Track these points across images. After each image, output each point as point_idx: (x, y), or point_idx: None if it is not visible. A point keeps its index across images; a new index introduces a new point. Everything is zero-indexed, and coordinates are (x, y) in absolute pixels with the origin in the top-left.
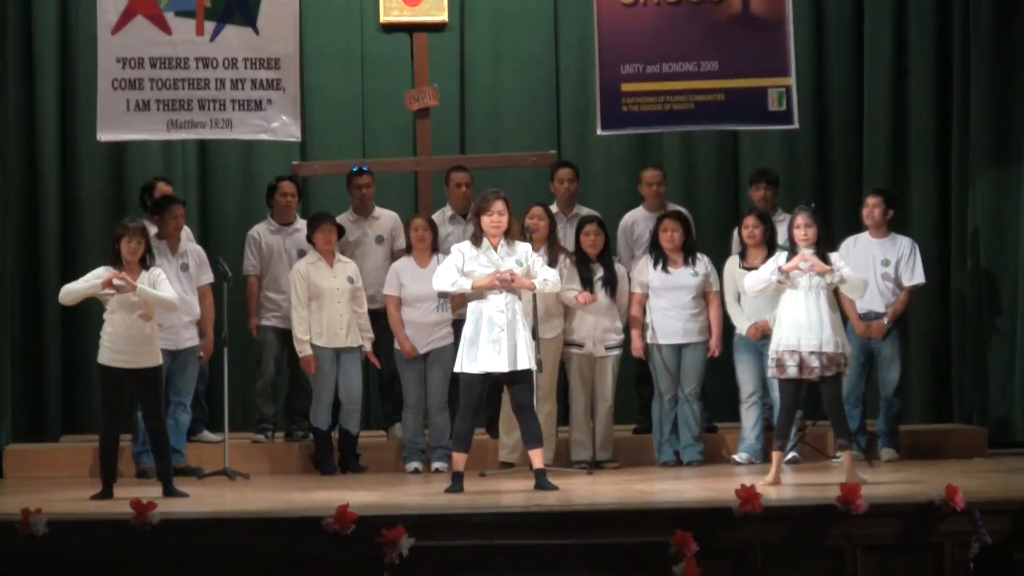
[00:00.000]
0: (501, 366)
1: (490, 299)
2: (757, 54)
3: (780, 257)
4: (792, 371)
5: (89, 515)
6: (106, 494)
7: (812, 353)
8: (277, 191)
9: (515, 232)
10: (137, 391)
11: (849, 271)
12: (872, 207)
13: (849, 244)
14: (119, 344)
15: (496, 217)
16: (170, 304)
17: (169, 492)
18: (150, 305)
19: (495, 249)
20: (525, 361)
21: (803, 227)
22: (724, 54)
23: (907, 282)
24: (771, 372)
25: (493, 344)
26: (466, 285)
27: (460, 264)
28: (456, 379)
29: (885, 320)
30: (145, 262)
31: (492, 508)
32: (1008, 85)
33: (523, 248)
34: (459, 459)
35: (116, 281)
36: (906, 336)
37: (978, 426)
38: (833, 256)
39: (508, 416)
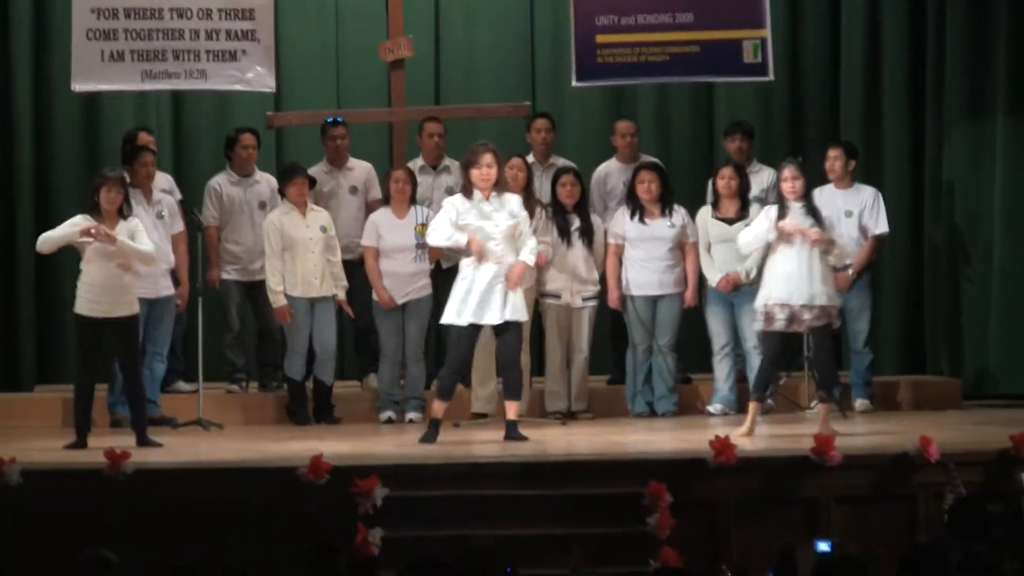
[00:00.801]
0: (493, 318)
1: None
2: (732, 6)
3: (771, 211)
4: (780, 324)
5: (63, 465)
6: (80, 444)
7: (804, 306)
8: (238, 143)
9: (504, 183)
10: (115, 340)
11: (844, 242)
12: (833, 159)
13: (814, 196)
14: (96, 293)
15: (485, 170)
16: (148, 256)
17: (143, 442)
18: (128, 255)
19: (487, 200)
20: (517, 313)
21: (790, 179)
22: (699, 6)
23: (871, 231)
24: (759, 325)
25: (486, 297)
26: (462, 240)
27: (454, 218)
28: (433, 330)
29: (850, 272)
30: (123, 212)
31: (466, 458)
32: (982, 37)
33: (514, 200)
34: (439, 408)
35: (95, 231)
36: (874, 287)
37: (952, 378)
38: (826, 215)
39: (481, 368)
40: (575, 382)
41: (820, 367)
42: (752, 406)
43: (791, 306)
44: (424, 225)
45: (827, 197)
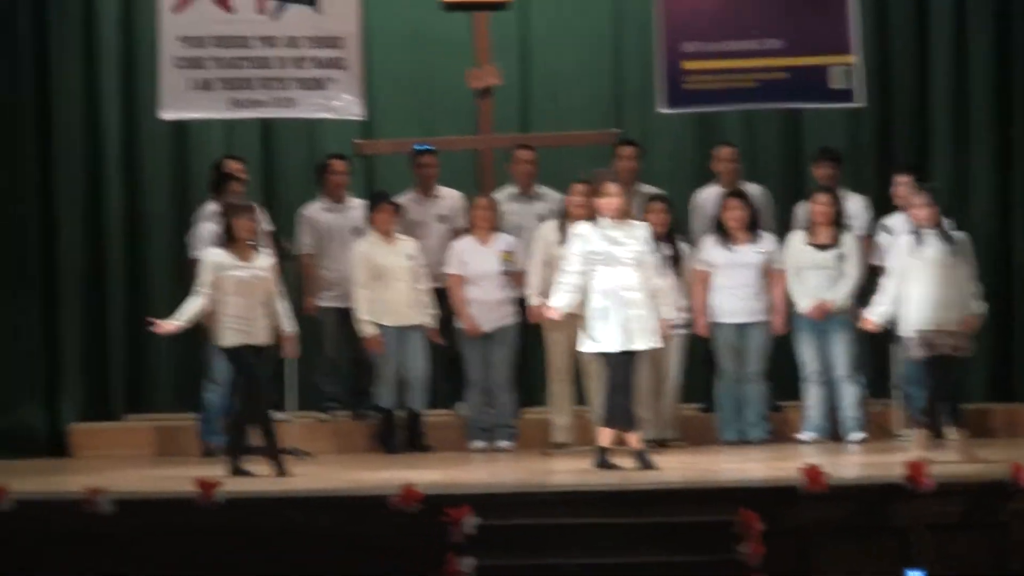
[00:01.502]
0: (643, 343)
1: (621, 278)
2: (820, 31)
3: (904, 240)
4: (946, 350)
5: (155, 494)
6: (239, 470)
7: (954, 332)
8: (329, 170)
9: (630, 211)
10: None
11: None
12: (900, 185)
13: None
14: (238, 323)
15: (610, 200)
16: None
17: (237, 471)
18: (267, 290)
19: (614, 227)
20: (657, 339)
21: (924, 206)
22: (787, 31)
23: None
24: (919, 353)
25: (630, 321)
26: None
27: (585, 248)
28: (521, 357)
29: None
30: (255, 243)
31: (557, 487)
32: None
33: (643, 227)
34: (630, 437)
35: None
36: None
37: None
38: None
39: (560, 397)
40: (665, 409)
41: (939, 394)
42: (924, 432)
43: (943, 331)
44: (509, 252)
45: (897, 223)
